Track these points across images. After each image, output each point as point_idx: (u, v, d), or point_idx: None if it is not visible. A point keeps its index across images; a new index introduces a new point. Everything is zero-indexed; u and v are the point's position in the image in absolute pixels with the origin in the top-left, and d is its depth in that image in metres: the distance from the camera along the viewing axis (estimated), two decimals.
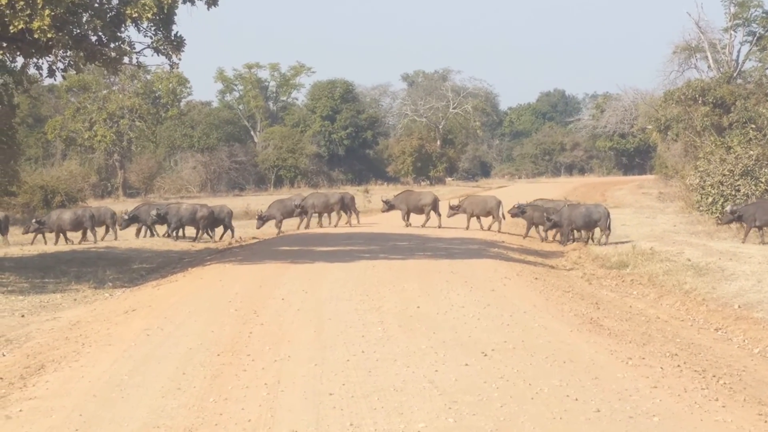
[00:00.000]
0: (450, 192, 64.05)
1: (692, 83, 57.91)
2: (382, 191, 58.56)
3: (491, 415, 10.49)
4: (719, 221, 32.39)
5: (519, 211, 35.73)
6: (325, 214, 40.54)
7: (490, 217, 37.66)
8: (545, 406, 10.87)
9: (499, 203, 37.79)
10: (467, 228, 36.90)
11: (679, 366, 13.15)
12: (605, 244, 30.12)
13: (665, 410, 10.76)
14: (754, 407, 10.99)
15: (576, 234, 32.62)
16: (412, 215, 39.30)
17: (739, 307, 17.92)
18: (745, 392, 11.71)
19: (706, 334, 16.10)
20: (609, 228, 31.37)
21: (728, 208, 32.20)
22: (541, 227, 34.15)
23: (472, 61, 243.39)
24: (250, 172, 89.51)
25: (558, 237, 33.82)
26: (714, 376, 12.52)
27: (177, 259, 30.40)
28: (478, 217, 37.94)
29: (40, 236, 35.94)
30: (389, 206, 40.71)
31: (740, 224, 30.71)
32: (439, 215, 38.60)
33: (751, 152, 36.64)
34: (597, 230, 31.90)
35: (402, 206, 39.95)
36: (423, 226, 37.55)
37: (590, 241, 32.08)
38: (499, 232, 35.87)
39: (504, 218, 37.08)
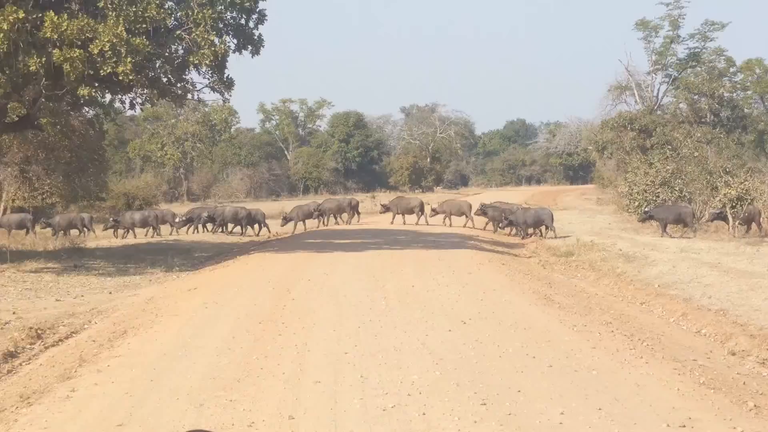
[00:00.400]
0: (437, 197, 63.54)
1: (623, 114, 57.94)
2: (384, 197, 58.34)
3: (469, 369, 10.52)
4: (639, 220, 32.75)
5: (482, 211, 35.91)
6: (338, 215, 40.48)
7: (464, 217, 37.73)
8: (510, 362, 10.90)
9: (470, 206, 37.87)
10: (450, 225, 36.84)
11: (612, 331, 13.18)
12: (553, 238, 30.13)
13: (602, 365, 10.79)
14: (670, 363, 11.02)
15: (529, 230, 32.64)
16: (404, 216, 39.24)
17: (658, 286, 17.92)
18: (663, 352, 11.74)
19: (633, 307, 16.10)
20: (553, 225, 31.50)
21: (643, 209, 32.77)
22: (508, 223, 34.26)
23: (454, 95, 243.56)
24: (284, 182, 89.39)
25: (512, 232, 33.86)
26: (639, 339, 12.54)
27: (228, 249, 30.40)
28: (449, 216, 37.95)
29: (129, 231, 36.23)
30: (385, 209, 40.73)
31: (657, 222, 31.01)
32: (424, 215, 38.60)
33: (668, 167, 36.82)
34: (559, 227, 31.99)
35: (394, 209, 40.04)
36: (416, 224, 37.52)
37: (540, 235, 32.14)
38: (472, 228, 35.67)
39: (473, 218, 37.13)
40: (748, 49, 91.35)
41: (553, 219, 31.85)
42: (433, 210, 38.63)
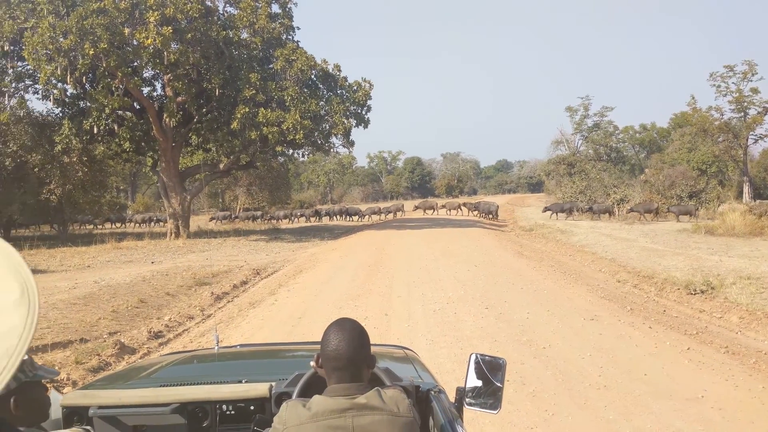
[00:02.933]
0: (457, 201, 63.48)
1: (559, 155, 56.83)
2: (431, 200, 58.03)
3: (479, 290, 10.44)
4: (542, 211, 31.67)
5: (473, 207, 35.28)
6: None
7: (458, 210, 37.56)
8: (500, 286, 10.78)
9: (459, 204, 38.02)
10: (449, 214, 36.39)
11: (554, 269, 12.93)
12: (497, 220, 30.10)
13: (549, 287, 10.60)
14: (584, 286, 10.77)
15: (491, 216, 31.76)
16: (428, 211, 38.80)
17: (579, 246, 17.52)
18: (581, 280, 11.48)
19: (565, 257, 15.75)
20: (497, 214, 31.30)
21: (545, 206, 32.52)
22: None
23: (469, 145, 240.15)
24: (379, 194, 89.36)
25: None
26: (568, 274, 12.29)
27: (353, 229, 30.64)
28: (448, 210, 37.80)
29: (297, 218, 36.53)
30: (417, 207, 40.33)
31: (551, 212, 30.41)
32: (437, 209, 38.63)
33: (583, 184, 35.91)
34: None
35: (423, 206, 39.86)
36: (432, 214, 37.40)
37: (492, 218, 31.31)
38: (466, 216, 34.61)
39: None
40: (626, 119, 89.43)
41: (498, 210, 31.85)
42: (441, 206, 38.88)
